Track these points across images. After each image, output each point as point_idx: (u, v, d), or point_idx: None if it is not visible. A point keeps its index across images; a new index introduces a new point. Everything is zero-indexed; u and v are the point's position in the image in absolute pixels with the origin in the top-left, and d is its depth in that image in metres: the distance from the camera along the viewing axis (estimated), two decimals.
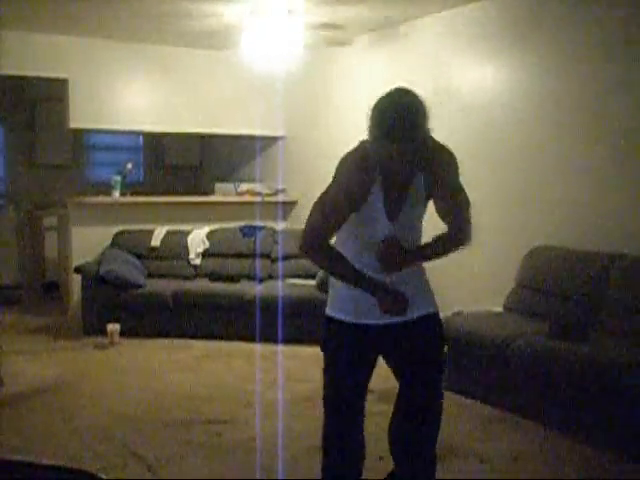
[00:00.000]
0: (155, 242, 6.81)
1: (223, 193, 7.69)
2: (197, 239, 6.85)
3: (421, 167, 2.34)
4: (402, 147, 2.17)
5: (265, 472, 3.34)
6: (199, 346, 5.86)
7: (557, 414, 3.92)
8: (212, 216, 7.29)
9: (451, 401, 4.28)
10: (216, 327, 6.09)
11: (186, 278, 6.62)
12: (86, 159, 9.39)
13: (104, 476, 1.34)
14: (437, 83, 5.72)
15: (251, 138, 7.87)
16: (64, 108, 6.94)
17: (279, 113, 7.44)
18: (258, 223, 7.03)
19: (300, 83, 7.20)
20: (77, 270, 6.34)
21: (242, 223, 7.05)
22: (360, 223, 2.39)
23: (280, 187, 7.53)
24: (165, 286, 6.30)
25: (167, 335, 6.07)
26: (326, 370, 2.53)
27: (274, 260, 6.71)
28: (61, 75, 6.79)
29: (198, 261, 6.74)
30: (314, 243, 2.37)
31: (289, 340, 5.59)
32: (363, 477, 2.62)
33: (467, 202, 2.46)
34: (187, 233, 6.91)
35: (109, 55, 6.95)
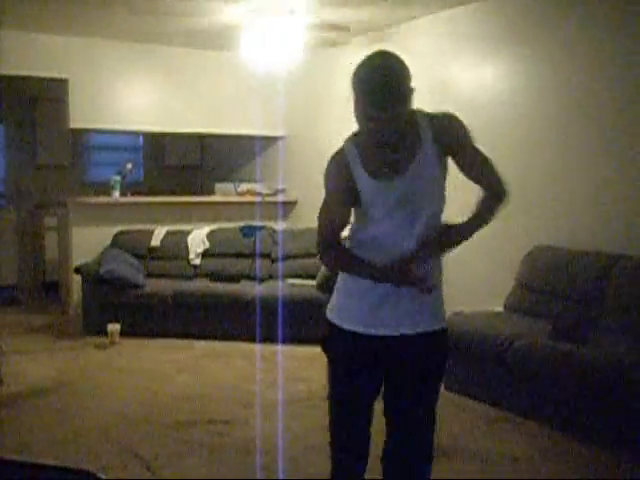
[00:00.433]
0: (155, 242, 6.81)
1: (223, 193, 7.69)
2: (197, 239, 6.85)
3: (418, 134, 2.23)
4: (388, 111, 2.08)
5: (265, 472, 3.34)
6: (199, 346, 5.86)
7: (557, 414, 3.92)
8: (212, 216, 7.29)
9: (451, 401, 4.30)
10: (216, 327, 6.09)
11: (186, 278, 6.62)
12: (86, 159, 9.39)
13: (104, 476, 1.33)
14: (436, 83, 5.72)
15: (251, 138, 7.88)
16: (64, 108, 6.94)
17: (279, 113, 7.44)
18: (258, 223, 7.03)
19: (300, 83, 7.20)
20: (77, 270, 6.34)
21: (242, 223, 7.05)
22: (361, 221, 2.33)
23: (280, 187, 7.53)
24: (165, 286, 6.30)
25: (167, 335, 6.07)
26: (328, 379, 2.45)
27: (274, 260, 6.71)
28: (61, 75, 6.80)
29: (198, 261, 6.74)
30: (323, 249, 2.37)
31: (289, 340, 5.59)
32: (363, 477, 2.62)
33: (488, 159, 2.38)
34: (187, 233, 6.91)
35: (109, 55, 6.95)
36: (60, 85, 6.89)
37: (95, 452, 3.61)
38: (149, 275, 6.54)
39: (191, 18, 5.92)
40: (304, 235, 6.62)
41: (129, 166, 7.34)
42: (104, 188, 7.11)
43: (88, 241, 6.74)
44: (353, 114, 2.17)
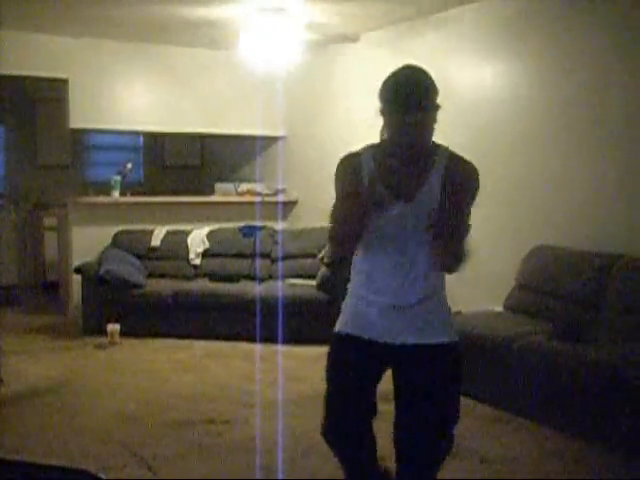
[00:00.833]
0: (155, 242, 6.81)
1: (223, 193, 7.68)
2: (197, 239, 6.85)
3: (430, 159, 2.22)
4: (412, 116, 2.12)
5: (265, 472, 3.34)
6: (199, 346, 5.86)
7: (557, 414, 3.92)
8: (212, 216, 7.29)
9: None
10: (216, 327, 6.08)
11: (186, 278, 6.62)
12: (86, 159, 9.39)
13: (104, 476, 1.34)
14: (438, 82, 5.72)
15: (251, 138, 7.87)
16: (64, 108, 6.94)
17: (279, 113, 7.44)
18: (258, 223, 7.02)
19: (300, 83, 7.20)
20: (77, 270, 6.34)
21: (242, 223, 7.05)
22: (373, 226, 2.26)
23: (280, 187, 7.53)
24: (165, 286, 6.31)
25: (167, 335, 6.07)
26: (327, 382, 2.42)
27: (274, 260, 6.71)
28: (61, 75, 6.79)
29: (198, 261, 6.74)
30: (335, 257, 2.37)
31: (289, 340, 5.58)
32: None
33: (465, 231, 2.19)
34: (187, 233, 6.91)
35: (109, 55, 6.94)
36: (60, 85, 6.89)
37: (95, 452, 3.61)
38: (149, 275, 6.54)
39: (191, 18, 5.92)
40: (304, 235, 6.62)
41: (129, 166, 7.33)
42: (104, 188, 7.10)
43: (88, 241, 6.73)
44: (380, 132, 2.22)
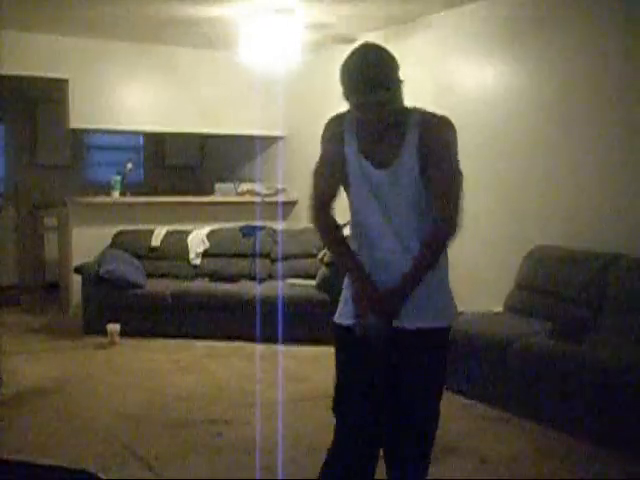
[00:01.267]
0: (155, 242, 6.81)
1: (223, 193, 7.68)
2: (197, 239, 6.85)
3: (402, 127, 2.22)
4: (374, 95, 2.11)
5: (265, 472, 3.34)
6: (199, 346, 5.86)
7: (557, 414, 3.92)
8: (212, 216, 7.29)
9: (451, 401, 4.29)
10: (216, 327, 6.08)
11: (186, 278, 6.62)
12: (86, 159, 9.39)
13: (104, 476, 1.34)
14: (436, 83, 5.72)
15: (251, 138, 7.87)
16: (64, 108, 6.94)
17: (279, 113, 7.44)
18: (258, 223, 7.02)
19: (300, 83, 7.20)
20: (77, 270, 6.34)
21: (242, 223, 7.05)
22: (352, 206, 2.34)
23: (280, 187, 7.53)
24: (165, 286, 6.30)
25: (167, 335, 6.06)
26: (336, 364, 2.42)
27: (274, 260, 6.71)
28: (61, 75, 6.80)
29: (198, 261, 6.74)
30: (314, 214, 2.35)
31: (289, 340, 5.58)
32: None
33: (458, 186, 2.24)
34: (187, 233, 6.91)
35: (109, 55, 6.95)
36: (60, 85, 6.89)
37: (95, 452, 3.61)
38: (149, 275, 6.53)
39: (191, 18, 5.92)
40: (304, 235, 6.62)
41: (129, 166, 7.34)
42: (104, 188, 7.11)
43: (88, 241, 6.74)
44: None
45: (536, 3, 5.08)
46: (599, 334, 4.10)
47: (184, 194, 7.92)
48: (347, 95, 2.18)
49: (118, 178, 6.93)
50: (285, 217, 7.57)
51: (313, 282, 6.07)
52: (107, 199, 6.91)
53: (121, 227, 6.90)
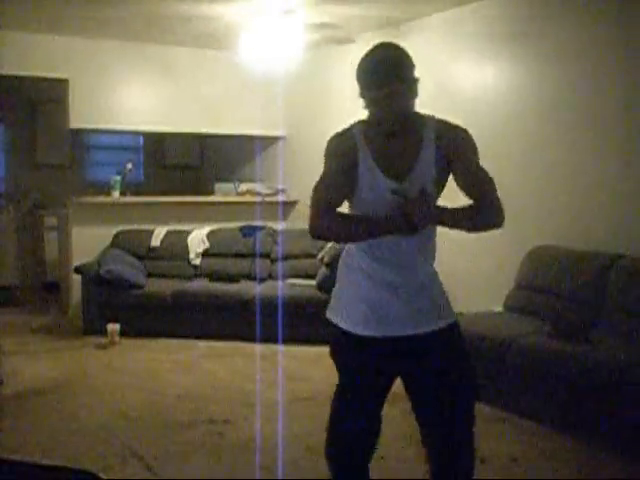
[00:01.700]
0: (155, 242, 6.81)
1: (223, 193, 7.69)
2: (197, 239, 6.85)
3: (417, 135, 2.20)
4: (389, 87, 2.11)
5: (265, 472, 3.34)
6: (199, 346, 5.86)
7: (557, 414, 3.92)
8: (212, 216, 7.29)
9: None
10: (216, 327, 6.08)
11: (186, 278, 6.62)
12: (86, 159, 9.39)
13: (104, 476, 1.34)
14: (438, 82, 5.72)
15: (251, 138, 7.87)
16: (64, 108, 6.94)
17: (279, 113, 7.44)
18: (258, 223, 7.03)
19: (300, 83, 7.20)
20: (77, 270, 6.34)
21: (242, 223, 7.05)
22: (363, 205, 2.26)
23: (280, 187, 7.53)
24: (165, 286, 6.31)
25: (167, 335, 6.07)
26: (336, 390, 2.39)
27: (274, 260, 6.71)
28: (61, 75, 6.79)
29: (198, 261, 6.75)
30: (319, 219, 2.21)
31: (289, 340, 5.59)
32: None
33: (492, 181, 2.28)
34: (187, 233, 6.91)
35: (109, 55, 6.95)
36: (60, 85, 6.89)
37: (95, 452, 3.61)
38: (149, 275, 6.54)
39: (191, 18, 5.92)
40: (304, 235, 6.53)
41: (129, 166, 7.33)
42: (104, 188, 7.10)
43: (88, 241, 6.74)
44: (363, 109, 2.22)
45: (536, 3, 5.09)
46: (599, 334, 4.10)
47: (184, 194, 7.91)
48: (363, 92, 2.20)
49: (118, 178, 6.93)
50: (285, 217, 7.57)
51: (313, 282, 6.07)
52: (107, 199, 6.91)
53: (121, 227, 6.90)
